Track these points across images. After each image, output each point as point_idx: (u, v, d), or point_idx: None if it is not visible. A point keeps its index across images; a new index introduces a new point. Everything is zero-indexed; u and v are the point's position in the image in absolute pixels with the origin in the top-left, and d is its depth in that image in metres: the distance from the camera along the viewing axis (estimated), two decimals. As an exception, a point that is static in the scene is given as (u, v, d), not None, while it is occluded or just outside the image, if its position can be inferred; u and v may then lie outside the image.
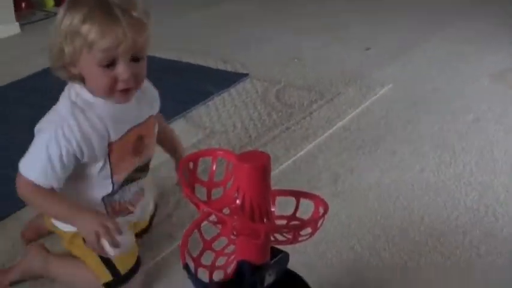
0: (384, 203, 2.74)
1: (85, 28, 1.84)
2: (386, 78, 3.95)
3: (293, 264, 1.90)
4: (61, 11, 1.92)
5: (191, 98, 3.68)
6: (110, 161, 2.04)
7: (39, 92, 3.67)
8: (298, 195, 1.86)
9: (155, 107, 2.26)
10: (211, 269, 1.83)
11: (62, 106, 2.01)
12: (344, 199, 2.77)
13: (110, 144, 2.01)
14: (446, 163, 3.03)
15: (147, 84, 2.18)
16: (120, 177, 2.10)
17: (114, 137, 2.01)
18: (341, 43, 4.56)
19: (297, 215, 1.85)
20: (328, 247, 2.47)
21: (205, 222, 1.71)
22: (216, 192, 1.81)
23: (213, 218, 1.70)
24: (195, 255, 1.79)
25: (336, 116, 3.47)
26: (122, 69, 1.89)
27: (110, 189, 2.10)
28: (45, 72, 3.79)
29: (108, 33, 1.83)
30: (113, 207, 2.15)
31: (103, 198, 2.11)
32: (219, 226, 1.70)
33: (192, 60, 4.22)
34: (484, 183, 2.86)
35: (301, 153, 3.12)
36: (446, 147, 3.16)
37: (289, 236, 1.68)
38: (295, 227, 1.69)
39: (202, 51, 4.36)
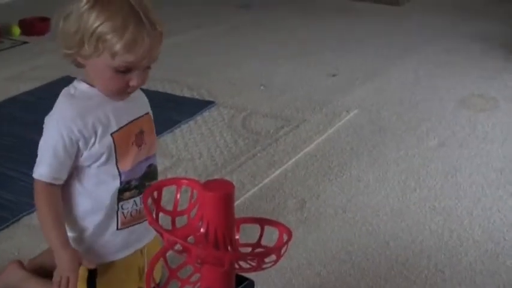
0: (349, 229, 2.76)
1: (114, 39, 1.83)
2: (352, 103, 3.99)
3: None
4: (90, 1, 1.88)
5: (157, 126, 3.64)
6: (115, 149, 2.03)
7: (8, 120, 3.69)
8: (262, 222, 1.87)
9: (148, 107, 2.27)
10: (177, 298, 1.83)
11: (60, 101, 2.01)
12: (310, 225, 2.79)
13: (113, 133, 2.02)
14: (411, 188, 3.06)
15: None
16: (126, 166, 2.07)
17: (115, 127, 2.02)
18: (307, 70, 4.59)
19: (262, 242, 1.86)
20: (294, 274, 2.48)
21: (170, 251, 1.71)
22: (181, 221, 1.81)
23: (178, 246, 1.70)
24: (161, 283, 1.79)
25: (302, 142, 3.50)
26: (136, 77, 1.93)
27: (117, 183, 2.06)
28: (15, 100, 3.78)
29: (135, 50, 1.85)
30: (125, 215, 2.12)
31: (118, 203, 2.09)
32: (184, 255, 1.70)
33: (158, 88, 4.22)
34: (448, 208, 2.90)
35: (267, 180, 3.14)
36: (411, 172, 3.20)
37: (254, 264, 1.68)
38: (260, 255, 1.70)
39: (169, 79, 4.36)
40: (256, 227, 1.88)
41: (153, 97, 4.11)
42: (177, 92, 4.20)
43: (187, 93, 4.19)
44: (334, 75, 4.47)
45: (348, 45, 5.11)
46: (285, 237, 1.78)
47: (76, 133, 1.95)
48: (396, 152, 3.40)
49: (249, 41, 5.30)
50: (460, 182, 3.10)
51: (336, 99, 4.06)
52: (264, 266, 1.71)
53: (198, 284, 1.81)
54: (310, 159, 3.33)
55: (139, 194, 2.10)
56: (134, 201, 2.10)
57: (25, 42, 5.23)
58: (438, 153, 3.39)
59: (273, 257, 1.73)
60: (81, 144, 1.97)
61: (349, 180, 3.14)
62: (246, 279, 1.84)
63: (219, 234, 1.66)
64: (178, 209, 1.82)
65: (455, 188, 3.06)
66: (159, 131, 3.57)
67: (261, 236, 1.87)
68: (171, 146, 3.49)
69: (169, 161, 3.32)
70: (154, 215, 1.73)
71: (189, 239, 1.72)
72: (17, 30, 5.38)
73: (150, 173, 2.17)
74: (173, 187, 1.82)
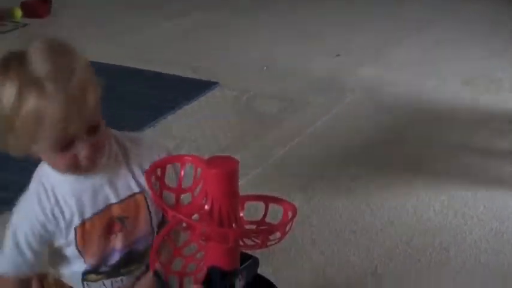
0: (354, 209, 2.76)
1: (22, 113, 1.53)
2: (355, 84, 3.98)
3: (263, 271, 1.91)
4: None
5: (161, 108, 3.68)
6: (76, 244, 1.78)
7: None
8: (267, 200, 1.86)
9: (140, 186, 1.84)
10: (181, 275, 1.83)
11: (30, 188, 1.77)
12: (314, 205, 2.78)
13: (77, 226, 1.76)
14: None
15: (130, 143, 1.84)
16: (92, 260, 1.82)
17: (79, 220, 1.76)
18: (311, 51, 4.57)
19: (266, 220, 1.85)
20: (299, 253, 2.48)
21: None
22: (185, 198, 1.81)
23: (182, 224, 1.70)
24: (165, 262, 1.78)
25: (306, 123, 3.49)
26: (80, 148, 1.61)
27: (81, 266, 1.82)
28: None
29: (45, 123, 1.54)
30: None
31: (82, 282, 1.87)
32: (189, 232, 1.69)
33: (162, 70, 4.21)
34: (452, 187, 2.88)
35: (271, 160, 3.13)
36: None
37: (258, 241, 1.68)
38: (264, 231, 1.69)
39: (172, 60, 4.36)
40: (261, 206, 1.87)
41: (156, 78, 4.18)
42: (181, 74, 4.19)
43: (190, 75, 4.17)
44: (337, 56, 4.46)
45: (351, 26, 5.09)
46: (290, 215, 1.77)
47: (39, 229, 1.74)
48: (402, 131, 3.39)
49: (252, 22, 5.28)
50: (464, 163, 3.09)
51: (339, 80, 4.05)
52: (269, 243, 1.71)
53: (203, 262, 1.80)
54: (314, 140, 3.33)
55: (109, 277, 1.86)
56: (103, 282, 1.86)
57: (26, 24, 5.22)
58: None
59: (278, 234, 1.72)
60: (45, 238, 1.76)
61: (354, 161, 3.13)
62: (251, 256, 1.83)
63: (223, 211, 1.65)
64: (183, 186, 1.81)
65: (459, 168, 3.04)
66: (163, 112, 3.61)
67: (265, 213, 1.86)
68: (174, 127, 3.49)
69: (172, 143, 3.31)
70: (158, 193, 1.72)
71: (193, 217, 1.71)
72: (18, 13, 5.39)
73: (130, 260, 1.86)
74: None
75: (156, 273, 1.75)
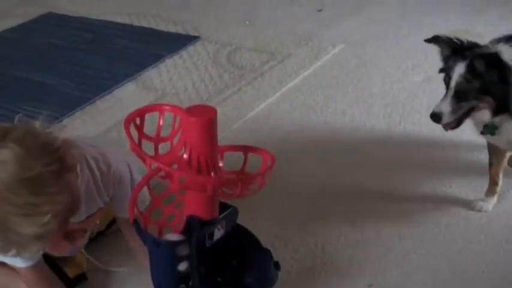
0: (331, 163, 2.77)
1: None
2: (337, 38, 3.95)
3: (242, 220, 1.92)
4: None
5: (142, 61, 3.67)
6: None
7: None
8: (246, 150, 1.87)
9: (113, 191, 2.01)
10: (161, 225, 1.84)
11: None
12: (294, 157, 2.79)
13: None
14: (396, 122, 3.06)
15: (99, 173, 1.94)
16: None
17: None
18: (293, 4, 4.54)
19: (246, 170, 1.86)
20: (276, 204, 2.52)
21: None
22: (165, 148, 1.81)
23: (161, 173, 1.70)
24: (144, 212, 1.80)
25: (287, 76, 3.48)
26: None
27: None
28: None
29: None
30: None
31: None
32: (168, 181, 1.70)
33: (143, 24, 4.19)
34: (432, 141, 2.89)
35: (252, 113, 3.13)
36: (395, 106, 3.19)
37: (237, 190, 1.69)
38: (242, 180, 1.70)
39: (153, 14, 4.32)
40: (241, 158, 1.88)
41: (137, 32, 4.15)
42: (162, 27, 4.17)
43: (172, 29, 4.15)
44: (319, 10, 4.43)
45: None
46: (269, 163, 1.78)
47: None
48: (381, 86, 3.39)
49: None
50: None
51: (322, 33, 4.03)
52: (248, 192, 1.72)
53: (182, 211, 1.81)
54: (295, 93, 3.32)
55: None
56: None
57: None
58: (423, 88, 3.37)
59: (257, 183, 1.73)
60: None
61: (334, 114, 3.13)
62: (230, 206, 1.85)
63: (201, 159, 1.66)
64: (161, 135, 1.82)
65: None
66: (144, 66, 3.59)
67: (244, 163, 1.88)
68: (155, 80, 3.48)
69: (154, 95, 3.31)
70: (136, 141, 1.72)
71: (173, 166, 1.72)
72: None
73: None
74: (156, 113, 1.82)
75: (135, 222, 1.76)
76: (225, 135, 2.85)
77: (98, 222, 2.13)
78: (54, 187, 1.61)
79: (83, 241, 2.07)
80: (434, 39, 2.23)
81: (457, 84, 2.11)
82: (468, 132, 2.43)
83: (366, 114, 3.13)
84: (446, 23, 4.14)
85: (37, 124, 1.69)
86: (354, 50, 3.82)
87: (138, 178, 1.92)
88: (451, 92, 2.12)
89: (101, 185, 1.91)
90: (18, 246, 1.64)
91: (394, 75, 3.51)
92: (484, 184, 2.49)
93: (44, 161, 1.60)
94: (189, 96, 3.28)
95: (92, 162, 1.88)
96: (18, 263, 1.92)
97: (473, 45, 2.16)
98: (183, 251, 1.73)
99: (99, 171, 1.89)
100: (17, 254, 1.70)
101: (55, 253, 2.01)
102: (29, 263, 1.92)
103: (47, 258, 2.01)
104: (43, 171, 1.59)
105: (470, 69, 2.08)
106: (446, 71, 2.16)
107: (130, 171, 1.99)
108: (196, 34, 4.03)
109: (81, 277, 2.18)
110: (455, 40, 2.18)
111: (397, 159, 2.79)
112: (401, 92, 3.33)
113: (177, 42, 3.93)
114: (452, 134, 2.87)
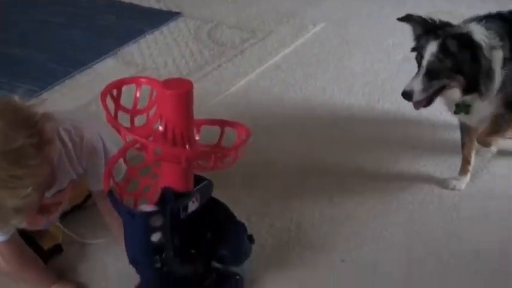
0: (310, 138, 2.79)
1: None
2: (319, 16, 3.96)
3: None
4: None
5: (123, 36, 3.66)
6: None
7: None
8: (222, 123, 1.88)
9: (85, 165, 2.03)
10: (136, 196, 1.85)
11: None
12: (273, 132, 2.81)
13: None
14: (375, 100, 3.08)
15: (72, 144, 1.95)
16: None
17: None
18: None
19: (222, 144, 1.88)
20: (255, 176, 2.54)
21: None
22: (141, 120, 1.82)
23: (138, 145, 1.71)
24: (120, 183, 1.81)
25: (268, 54, 3.49)
26: None
27: None
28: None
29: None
30: None
31: None
32: (143, 153, 1.71)
33: (125, -1, 4.19)
34: (409, 119, 2.91)
35: (233, 89, 3.14)
36: (375, 84, 3.21)
37: (211, 163, 1.70)
38: (216, 152, 1.72)
39: (135, -11, 4.32)
40: (218, 132, 1.89)
41: (119, 7, 4.14)
42: (144, 3, 4.16)
43: (154, 4, 4.15)
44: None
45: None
46: (243, 138, 1.79)
47: None
48: (362, 65, 3.40)
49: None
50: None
51: (303, 11, 4.02)
52: (222, 165, 1.73)
53: (158, 183, 1.82)
54: (276, 70, 3.33)
55: None
56: None
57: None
58: (403, 67, 3.37)
59: (231, 157, 1.74)
60: None
61: (314, 91, 3.15)
62: (205, 179, 1.86)
63: (176, 132, 1.67)
64: (138, 107, 1.82)
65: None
66: (124, 41, 3.59)
67: (220, 137, 1.89)
68: (136, 55, 3.48)
69: (134, 70, 3.31)
70: (112, 113, 1.73)
71: (149, 138, 1.73)
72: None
73: None
74: (133, 85, 1.82)
75: (110, 193, 1.77)
76: (204, 109, 2.85)
77: (71, 196, 2.14)
78: (35, 159, 1.63)
79: (56, 215, 2.08)
80: (407, 18, 2.25)
81: (429, 63, 2.13)
82: (444, 111, 2.45)
83: (346, 91, 3.14)
84: (430, 3, 4.15)
85: (17, 97, 1.70)
86: (336, 28, 3.82)
87: (114, 150, 1.92)
88: (423, 71, 2.15)
89: (74, 156, 1.92)
90: None
91: (375, 54, 3.52)
92: (459, 163, 2.52)
93: (25, 134, 1.61)
94: (169, 72, 3.28)
95: (63, 133, 1.89)
96: None
97: (445, 25, 2.17)
98: (157, 221, 1.74)
99: (71, 141, 1.90)
100: None
101: (30, 227, 2.02)
102: (3, 238, 1.93)
103: (21, 232, 2.02)
104: (25, 144, 1.60)
105: (443, 48, 2.09)
106: (419, 49, 2.18)
107: (104, 143, 1.99)
108: (177, 10, 4.03)
109: (56, 248, 2.19)
110: (428, 19, 2.19)
111: (375, 136, 2.81)
112: (382, 71, 3.34)
113: (158, 17, 3.93)
114: (429, 113, 2.92)
